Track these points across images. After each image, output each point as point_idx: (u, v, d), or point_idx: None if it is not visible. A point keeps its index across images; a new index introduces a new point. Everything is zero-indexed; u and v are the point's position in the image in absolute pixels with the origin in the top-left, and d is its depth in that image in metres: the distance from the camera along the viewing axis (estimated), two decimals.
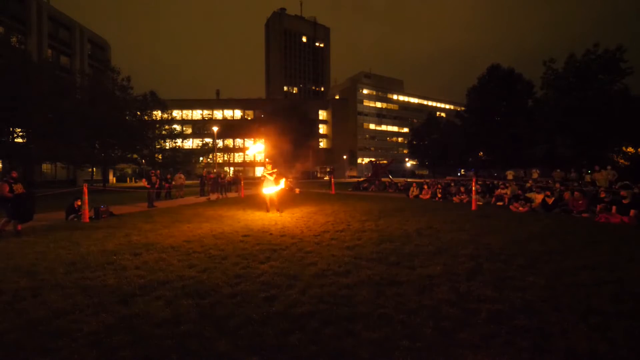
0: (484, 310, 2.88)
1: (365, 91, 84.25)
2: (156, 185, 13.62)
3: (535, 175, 19.12)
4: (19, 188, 6.89)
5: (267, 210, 10.25)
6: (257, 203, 13.63)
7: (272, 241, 5.95)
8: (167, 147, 33.90)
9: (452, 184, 16.19)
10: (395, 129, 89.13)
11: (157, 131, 32.36)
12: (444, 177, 28.94)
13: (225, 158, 64.81)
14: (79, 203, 9.44)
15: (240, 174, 26.43)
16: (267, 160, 11.75)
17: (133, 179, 49.24)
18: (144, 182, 13.42)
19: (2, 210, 6.78)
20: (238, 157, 67.67)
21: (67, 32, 41.37)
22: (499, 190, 12.76)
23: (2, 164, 27.81)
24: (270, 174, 10.41)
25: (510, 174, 19.36)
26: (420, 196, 15.47)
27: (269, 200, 10.39)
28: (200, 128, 64.50)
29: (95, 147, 27.60)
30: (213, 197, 16.35)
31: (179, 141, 35.98)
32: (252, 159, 67.58)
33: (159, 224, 8.25)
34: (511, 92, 32.87)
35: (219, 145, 58.44)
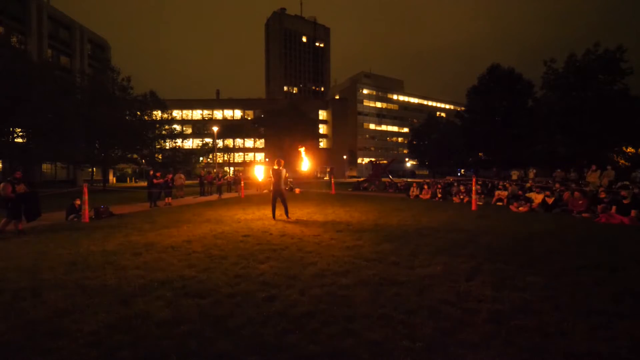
0: (484, 310, 2.88)
1: (365, 91, 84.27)
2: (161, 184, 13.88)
3: (531, 175, 19.10)
4: (21, 188, 6.93)
5: (273, 218, 8.86)
6: (257, 203, 13.64)
7: (272, 241, 5.95)
8: (167, 147, 33.93)
9: (455, 184, 16.20)
10: (395, 129, 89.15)
11: (157, 131, 32.38)
12: (444, 177, 28.88)
13: (225, 158, 64.84)
14: (79, 203, 9.46)
15: (241, 174, 26.43)
16: (276, 160, 9.55)
17: (133, 179, 49.24)
18: (154, 182, 13.47)
19: (3, 211, 6.80)
20: (238, 157, 67.67)
21: (67, 32, 41.34)
22: (499, 191, 12.76)
23: (2, 164, 27.82)
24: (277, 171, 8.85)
25: (515, 174, 19.36)
26: (420, 196, 15.49)
27: (276, 203, 8.90)
28: (200, 128, 64.52)
29: (95, 147, 27.62)
30: (222, 196, 17.84)
31: (179, 141, 36.02)
32: (252, 159, 67.59)
33: (159, 224, 8.26)
34: (511, 92, 32.86)
35: (219, 146, 58.41)
